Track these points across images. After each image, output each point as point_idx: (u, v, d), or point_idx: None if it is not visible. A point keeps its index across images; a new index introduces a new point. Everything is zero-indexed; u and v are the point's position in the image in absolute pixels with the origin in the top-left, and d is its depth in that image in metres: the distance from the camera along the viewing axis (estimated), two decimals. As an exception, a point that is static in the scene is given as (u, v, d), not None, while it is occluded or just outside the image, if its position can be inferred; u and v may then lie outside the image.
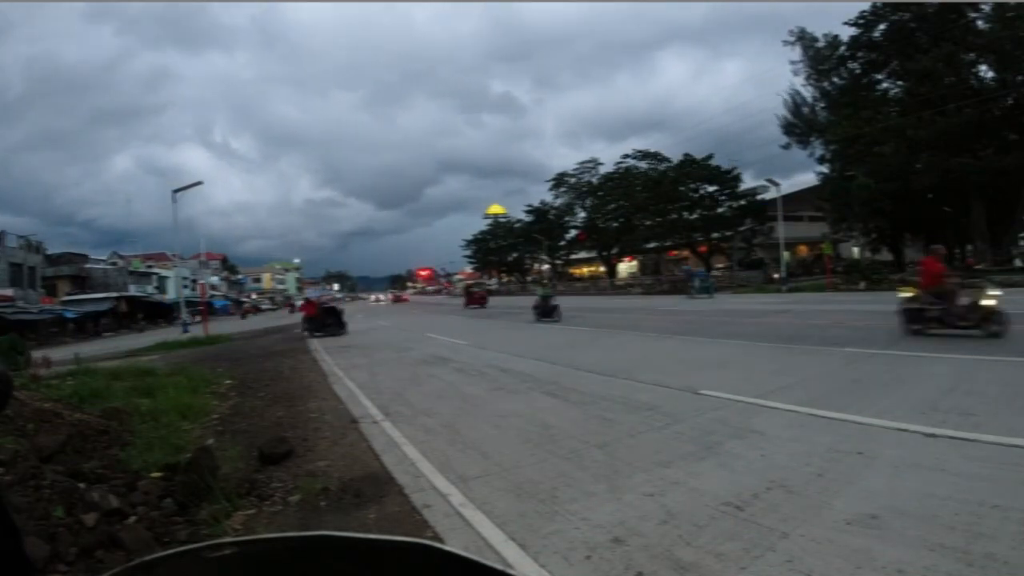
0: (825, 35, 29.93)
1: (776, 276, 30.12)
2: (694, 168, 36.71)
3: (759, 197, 34.86)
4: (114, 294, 39.44)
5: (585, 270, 60.48)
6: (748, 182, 36.70)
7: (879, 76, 28.41)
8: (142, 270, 50.52)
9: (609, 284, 47.48)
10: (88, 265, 42.78)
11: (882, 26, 26.40)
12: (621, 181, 44.00)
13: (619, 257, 51.14)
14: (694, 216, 37.32)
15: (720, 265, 40.51)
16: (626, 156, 45.16)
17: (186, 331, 23.81)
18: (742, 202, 35.73)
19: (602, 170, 49.89)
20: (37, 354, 10.58)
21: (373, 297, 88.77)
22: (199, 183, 23.65)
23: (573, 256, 58.17)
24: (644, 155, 44.20)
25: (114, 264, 48.73)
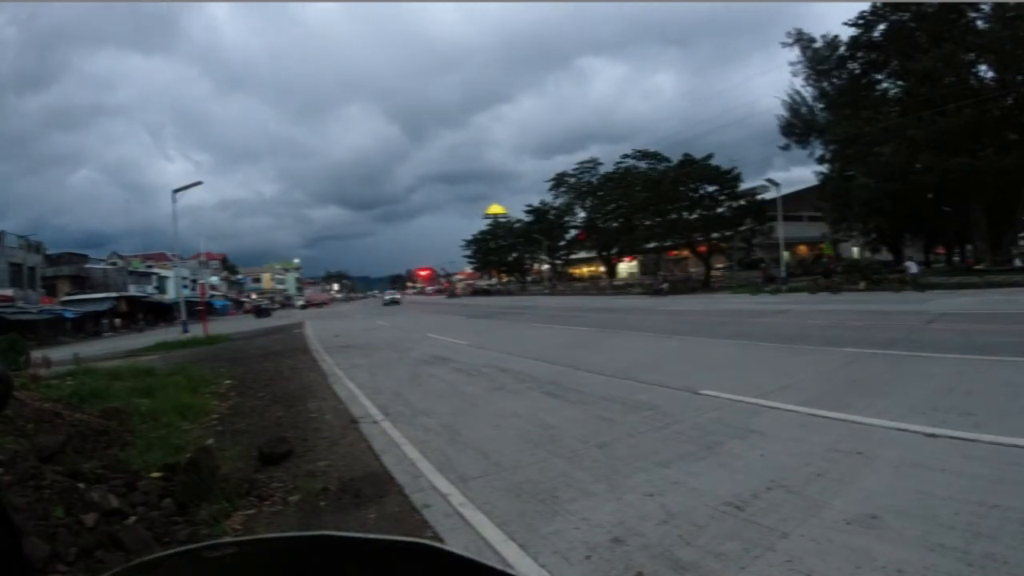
0: (823, 36, 29.99)
1: (772, 276, 30.18)
2: (694, 168, 36.64)
3: (759, 197, 34.80)
4: (114, 294, 39.49)
5: (585, 270, 60.44)
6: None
7: (879, 76, 28.39)
8: (142, 270, 50.55)
9: (609, 284, 47.48)
10: (88, 265, 42.78)
11: (882, 26, 26.38)
12: (621, 181, 43.89)
13: (619, 257, 51.06)
14: (694, 216, 37.27)
15: (720, 265, 40.46)
16: (625, 156, 45.14)
17: (186, 331, 23.85)
18: (742, 202, 35.68)
19: (602, 170, 49.94)
20: (37, 354, 10.60)
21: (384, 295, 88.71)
22: (199, 183, 23.70)
23: (573, 256, 58.11)
24: (644, 155, 44.16)
25: (114, 264, 48.73)
